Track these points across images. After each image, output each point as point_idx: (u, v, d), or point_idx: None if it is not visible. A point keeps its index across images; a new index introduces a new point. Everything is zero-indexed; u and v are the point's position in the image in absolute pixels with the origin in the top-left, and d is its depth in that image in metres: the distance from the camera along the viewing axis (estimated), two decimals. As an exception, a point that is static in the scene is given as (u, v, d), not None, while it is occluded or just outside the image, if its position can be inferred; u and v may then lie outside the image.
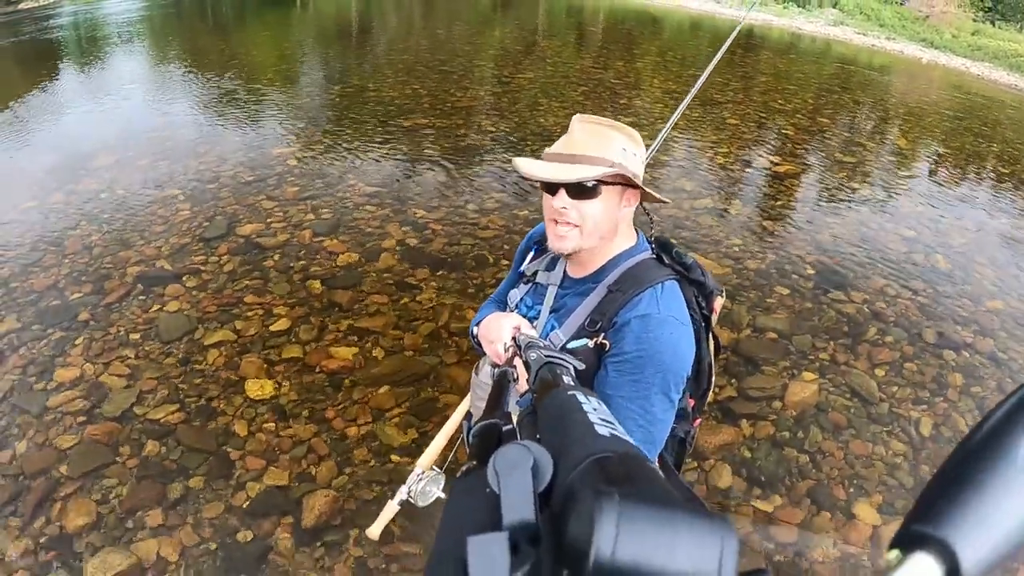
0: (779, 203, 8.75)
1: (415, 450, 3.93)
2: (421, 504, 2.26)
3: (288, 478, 3.66)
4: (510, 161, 8.64)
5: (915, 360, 5.54)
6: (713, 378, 1.98)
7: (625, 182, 1.73)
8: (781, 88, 16.26)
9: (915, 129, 14.23)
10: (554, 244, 1.79)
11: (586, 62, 17.09)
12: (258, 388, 4.28)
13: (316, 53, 16.23)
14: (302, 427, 4.03)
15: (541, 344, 1.34)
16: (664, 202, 1.88)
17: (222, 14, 21.75)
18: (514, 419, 0.94)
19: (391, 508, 2.32)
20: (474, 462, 0.80)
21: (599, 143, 1.70)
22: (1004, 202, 10.45)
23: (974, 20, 38.97)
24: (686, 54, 20.48)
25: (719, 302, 1.94)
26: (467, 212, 7.14)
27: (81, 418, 3.95)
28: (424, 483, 2.29)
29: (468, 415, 1.78)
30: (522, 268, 2.08)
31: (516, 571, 0.51)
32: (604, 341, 1.69)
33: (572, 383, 0.96)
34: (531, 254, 2.07)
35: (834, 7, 36.85)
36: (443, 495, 2.26)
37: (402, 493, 2.30)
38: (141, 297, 5.10)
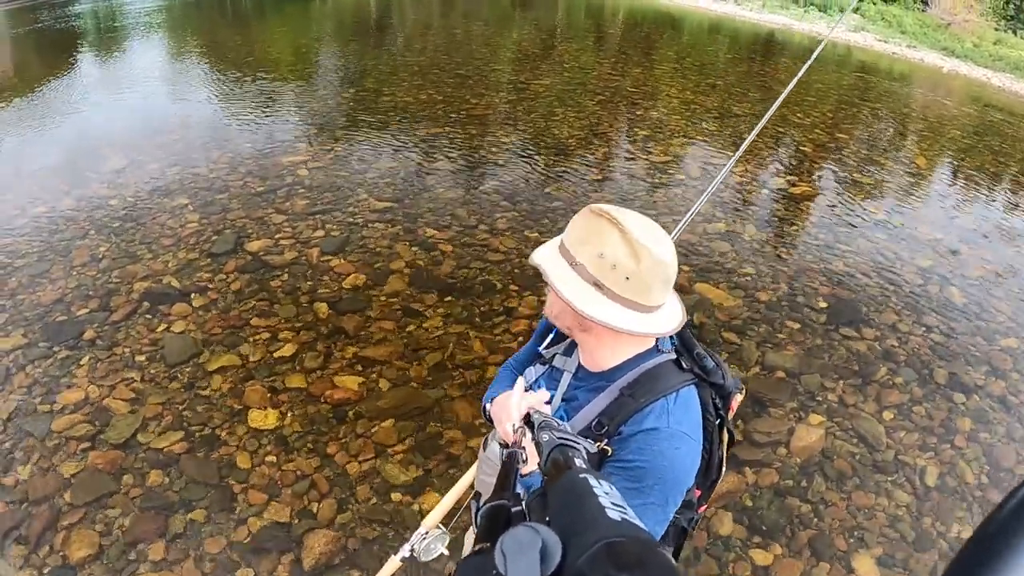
0: (794, 227, 8.79)
1: (417, 489, 4.05)
2: (424, 559, 2.30)
3: (289, 514, 3.78)
4: (523, 177, 8.81)
5: (924, 403, 5.57)
6: (723, 470, 1.96)
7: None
8: (800, 100, 16.19)
9: (934, 147, 14.16)
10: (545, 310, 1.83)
11: (604, 68, 17.12)
12: (261, 418, 4.41)
13: (332, 51, 16.39)
14: (304, 461, 4.15)
15: (555, 425, 1.35)
16: (645, 334, 1.70)
17: (241, 6, 21.96)
18: (523, 501, 0.99)
19: (392, 564, 2.34)
20: (484, 544, 0.80)
21: (582, 238, 1.63)
22: (1022, 230, 10.42)
23: (996, 29, 38.68)
24: (704, 60, 20.44)
25: (737, 400, 1.90)
26: (477, 232, 7.24)
27: (85, 444, 4.09)
28: (428, 541, 2.32)
29: (476, 495, 1.82)
30: (540, 349, 2.05)
31: None
32: (607, 448, 1.67)
33: (585, 466, 0.99)
34: (552, 334, 2.04)
35: (855, 12, 36.65)
36: (446, 552, 2.33)
37: (405, 550, 2.32)
38: (147, 316, 5.24)
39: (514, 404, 1.65)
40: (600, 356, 1.78)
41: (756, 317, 6.33)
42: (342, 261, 6.30)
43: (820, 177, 11.03)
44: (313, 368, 4.93)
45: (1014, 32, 39.97)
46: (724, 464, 1.94)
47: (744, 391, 1.93)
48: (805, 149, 12.27)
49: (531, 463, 1.40)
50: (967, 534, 4.34)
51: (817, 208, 9.65)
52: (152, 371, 4.71)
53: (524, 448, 1.43)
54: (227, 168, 7.97)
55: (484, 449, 2.23)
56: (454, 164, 9.13)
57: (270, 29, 18.59)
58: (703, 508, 2.00)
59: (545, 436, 1.21)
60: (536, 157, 9.85)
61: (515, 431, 1.53)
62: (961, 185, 12.23)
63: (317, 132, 9.73)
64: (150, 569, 3.40)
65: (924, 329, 6.61)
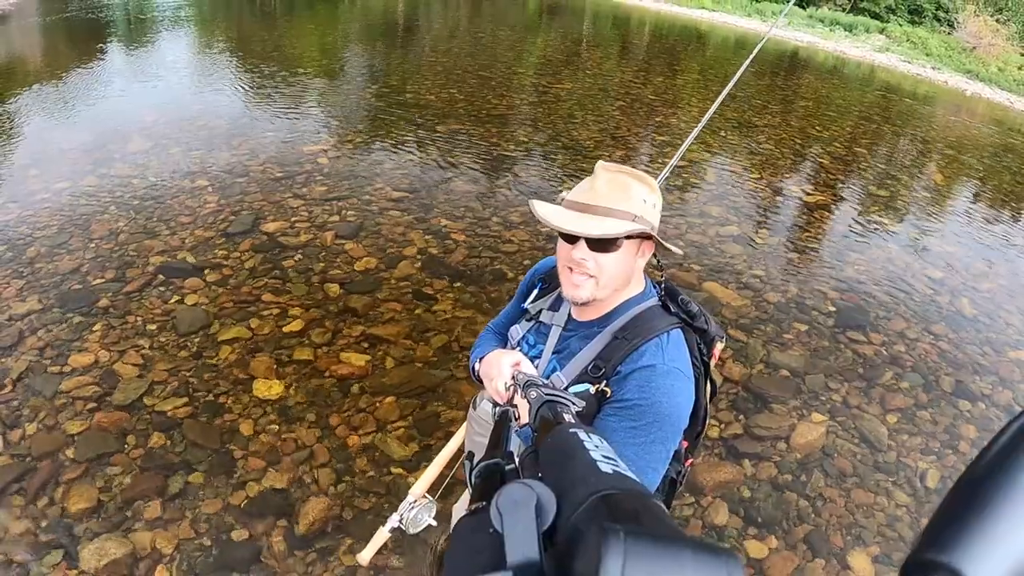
0: (807, 234, 8.75)
1: (415, 464, 4.03)
2: (412, 531, 2.31)
3: (287, 481, 3.77)
4: (539, 175, 8.81)
5: (929, 408, 5.52)
6: (708, 421, 2.00)
7: (646, 236, 1.76)
8: (820, 114, 16.20)
9: (953, 164, 14.10)
10: (568, 292, 1.81)
11: (626, 75, 17.15)
12: (266, 388, 4.40)
13: (358, 49, 16.48)
14: (306, 431, 4.13)
15: (541, 383, 1.35)
16: (675, 253, 1.85)
17: (270, 3, 22.08)
18: (516, 458, 0.98)
19: (382, 535, 2.34)
20: (480, 503, 0.80)
21: (622, 195, 1.70)
22: None
23: (1022, 54, 38.41)
24: (728, 72, 20.33)
25: (719, 347, 1.96)
26: (491, 224, 7.23)
27: (91, 404, 4.09)
28: (416, 511, 2.32)
29: (470, 454, 1.81)
30: (525, 305, 2.09)
31: None
32: (606, 388, 1.71)
33: (573, 421, 1.00)
34: (535, 291, 2.08)
35: (881, 33, 36.55)
36: (434, 523, 2.32)
37: (393, 520, 2.31)
38: (161, 288, 5.25)
39: (505, 363, 1.65)
40: (608, 302, 1.83)
41: (764, 317, 6.28)
42: (356, 245, 6.30)
43: (836, 188, 11.00)
44: (320, 344, 4.93)
45: None
46: (708, 415, 1.98)
47: (725, 339, 1.97)
48: (823, 160, 12.24)
49: (523, 420, 1.39)
50: None
51: (831, 217, 9.60)
52: (162, 339, 4.72)
53: (516, 406, 1.42)
54: (248, 154, 8.00)
55: (474, 408, 2.32)
56: (471, 160, 9.14)
57: (297, 26, 18.72)
58: (690, 461, 2.03)
59: (533, 393, 1.22)
60: (553, 156, 9.86)
61: (507, 389, 1.54)
62: (978, 203, 12.16)
63: (339, 124, 9.77)
64: (145, 526, 3.38)
65: (932, 337, 6.55)
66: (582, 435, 0.80)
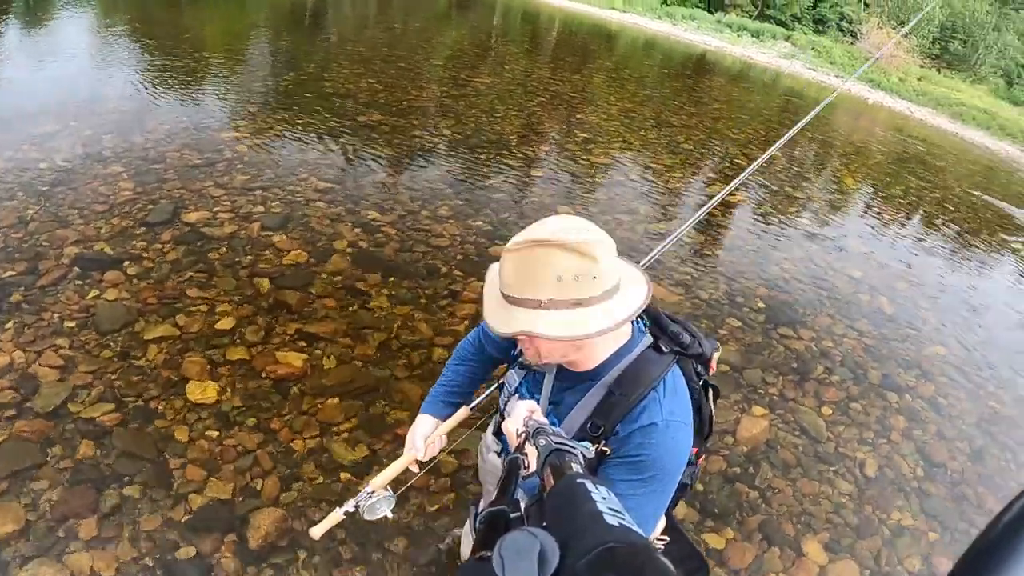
0: (732, 233, 8.92)
1: (364, 468, 3.81)
2: (368, 518, 2.20)
3: (232, 492, 3.48)
4: (465, 168, 8.61)
5: (860, 400, 5.72)
6: (714, 424, 1.99)
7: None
8: (734, 116, 16.60)
9: (862, 168, 14.67)
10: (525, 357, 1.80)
11: (543, 72, 17.12)
12: (201, 391, 4.08)
13: (269, 35, 15.80)
14: (247, 436, 3.84)
15: (550, 431, 1.33)
16: (630, 316, 1.61)
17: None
18: (522, 506, 0.96)
19: (336, 515, 2.23)
20: (484, 552, 0.75)
21: (529, 278, 1.53)
22: (945, 249, 10.84)
23: (921, 66, 40.44)
24: (641, 73, 20.69)
25: (716, 358, 1.93)
26: (420, 218, 7.00)
27: (10, 412, 3.67)
28: (375, 500, 2.21)
29: (475, 501, 1.72)
30: (516, 355, 2.02)
31: None
32: (606, 448, 1.67)
33: (581, 471, 0.98)
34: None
35: (787, 40, 37.76)
36: (391, 515, 2.23)
37: (350, 505, 2.20)
38: (78, 281, 4.82)
39: (520, 409, 1.59)
40: (587, 360, 1.73)
41: (698, 314, 6.31)
42: (283, 237, 5.97)
43: (755, 189, 11.22)
44: (254, 342, 4.62)
45: (938, 70, 41.72)
46: (714, 417, 1.98)
47: (720, 348, 1.96)
48: (740, 162, 12.43)
49: (532, 468, 1.33)
50: (907, 522, 4.48)
51: (754, 217, 9.84)
52: (83, 338, 4.31)
53: (526, 454, 1.38)
54: (163, 139, 7.50)
55: (482, 460, 2.28)
56: (396, 151, 8.87)
57: (204, 11, 17.86)
58: (701, 459, 2.05)
59: (542, 441, 1.21)
60: (478, 150, 9.69)
61: (518, 435, 1.49)
62: (888, 205, 12.70)
63: (257, 110, 9.30)
64: (81, 547, 3.04)
65: (857, 333, 6.77)
66: (589, 485, 0.80)
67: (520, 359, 1.96)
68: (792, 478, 4.64)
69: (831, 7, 46.26)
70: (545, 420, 1.57)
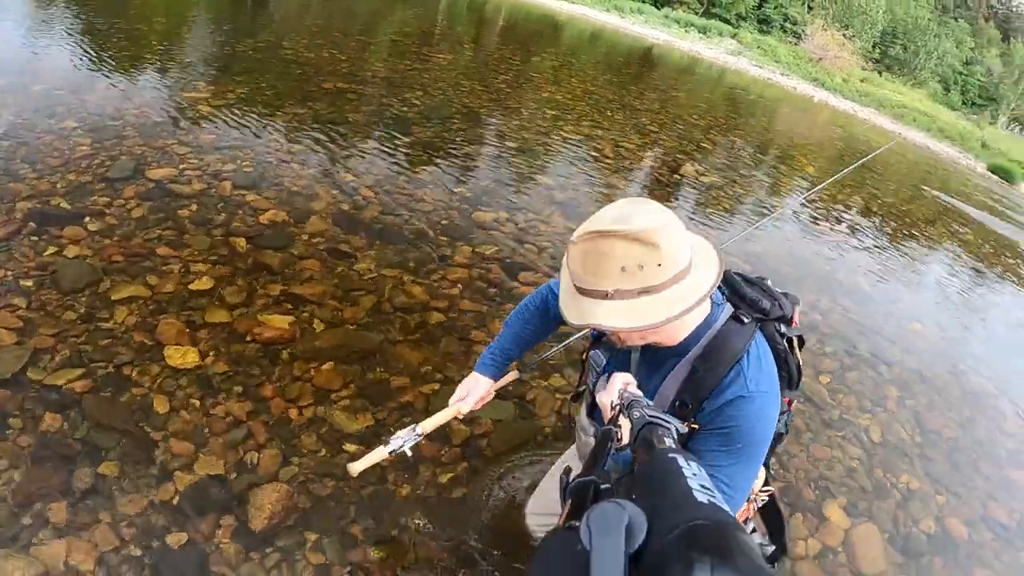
0: (708, 210, 8.83)
1: (370, 438, 3.29)
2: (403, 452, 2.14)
3: (224, 467, 2.90)
4: (439, 135, 8.06)
5: (854, 371, 5.63)
6: (802, 370, 1.86)
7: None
8: (695, 105, 16.56)
9: (820, 159, 14.84)
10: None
11: (504, 52, 16.64)
12: (180, 356, 3.47)
13: (225, 4, 14.86)
14: (235, 405, 3.26)
15: (644, 404, 1.30)
16: (701, 299, 1.51)
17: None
18: (613, 478, 0.95)
19: (380, 453, 2.12)
20: (573, 521, 0.72)
21: (595, 269, 1.46)
22: (911, 241, 10.99)
23: (863, 68, 41.14)
24: (596, 60, 20.65)
25: (798, 311, 1.86)
26: (400, 182, 6.44)
27: (-42, 379, 3.05)
28: (415, 443, 2.17)
29: (567, 469, 1.44)
30: (596, 333, 1.96)
31: None
32: (695, 424, 1.62)
33: (673, 445, 0.98)
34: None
35: (733, 38, 37.90)
36: (410, 453, 2.17)
37: (396, 443, 2.13)
38: (34, 237, 4.11)
39: (616, 381, 1.56)
40: (671, 338, 1.64)
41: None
42: (258, 196, 5.34)
43: (726, 171, 11.26)
44: (236, 304, 4.00)
45: (879, 73, 42.47)
46: (802, 367, 1.86)
47: (800, 303, 1.88)
48: (706, 145, 12.44)
49: (625, 440, 1.27)
50: (915, 486, 4.36)
51: (727, 196, 9.72)
52: (42, 298, 3.62)
53: (619, 426, 1.32)
54: (120, 97, 6.72)
55: (579, 439, 2.22)
56: (366, 118, 8.28)
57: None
58: (792, 404, 1.96)
59: (636, 414, 1.17)
60: (451, 120, 9.18)
61: (612, 407, 1.44)
62: (850, 194, 12.78)
63: (217, 74, 8.54)
64: (52, 535, 2.44)
65: (843, 308, 6.77)
66: (681, 461, 0.78)
67: (604, 339, 1.89)
68: (804, 443, 4.47)
69: (775, 8, 46.70)
70: (640, 393, 1.51)
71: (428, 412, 3.58)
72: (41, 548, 2.38)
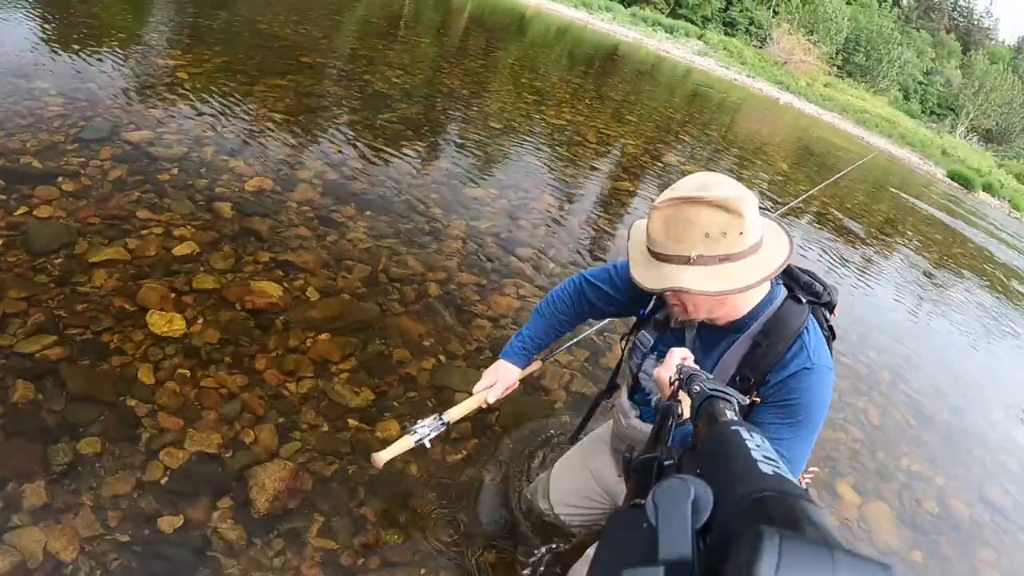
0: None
1: (375, 415, 2.97)
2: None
3: (219, 445, 2.54)
4: (423, 113, 7.70)
5: (847, 356, 5.51)
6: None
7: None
8: (669, 100, 16.53)
9: (790, 156, 14.92)
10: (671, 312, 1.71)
11: (480, 41, 16.30)
12: (165, 323, 3.09)
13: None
14: (228, 376, 2.89)
15: (704, 377, 1.22)
16: (777, 270, 1.52)
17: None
18: (675, 454, 0.92)
19: (406, 442, 1.94)
20: (637, 499, 0.73)
21: (678, 235, 1.46)
22: (883, 237, 10.99)
23: (827, 74, 41.51)
24: (572, 52, 20.61)
25: (837, 301, 1.81)
26: (387, 155, 6.08)
27: (-81, 345, 2.64)
28: (439, 432, 2.01)
29: (629, 448, 1.58)
30: (648, 314, 1.89)
31: None
32: (757, 398, 1.60)
33: (735, 418, 0.92)
34: (653, 300, 1.86)
35: (699, 39, 37.94)
36: (428, 445, 1.99)
37: (422, 431, 1.96)
38: (2, 196, 3.69)
39: (674, 356, 1.43)
40: (732, 314, 1.61)
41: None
42: (242, 163, 4.93)
43: (708, 164, 11.25)
44: (223, 270, 3.62)
45: (842, 79, 42.93)
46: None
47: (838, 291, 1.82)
48: (684, 139, 12.32)
49: (686, 415, 1.15)
50: (916, 467, 4.27)
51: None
52: (11, 259, 3.19)
53: (679, 401, 1.21)
54: (91, 58, 6.20)
55: (619, 424, 2.05)
56: (349, 91, 7.88)
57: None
58: None
59: (696, 388, 1.10)
60: (434, 99, 8.83)
61: (671, 383, 1.34)
62: (821, 188, 12.92)
63: (192, 43, 8.03)
64: (28, 521, 2.06)
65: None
66: (744, 433, 0.74)
67: (657, 315, 1.84)
68: None
69: (741, 11, 46.88)
70: (697, 367, 1.40)
71: (432, 386, 3.31)
72: (16, 535, 2.00)
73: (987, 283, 11.37)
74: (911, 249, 11.42)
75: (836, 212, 11.46)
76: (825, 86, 38.13)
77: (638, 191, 7.93)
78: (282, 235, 4.17)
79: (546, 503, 2.38)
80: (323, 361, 3.20)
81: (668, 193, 1.48)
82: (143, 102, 5.53)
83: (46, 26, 6.93)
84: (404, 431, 1.95)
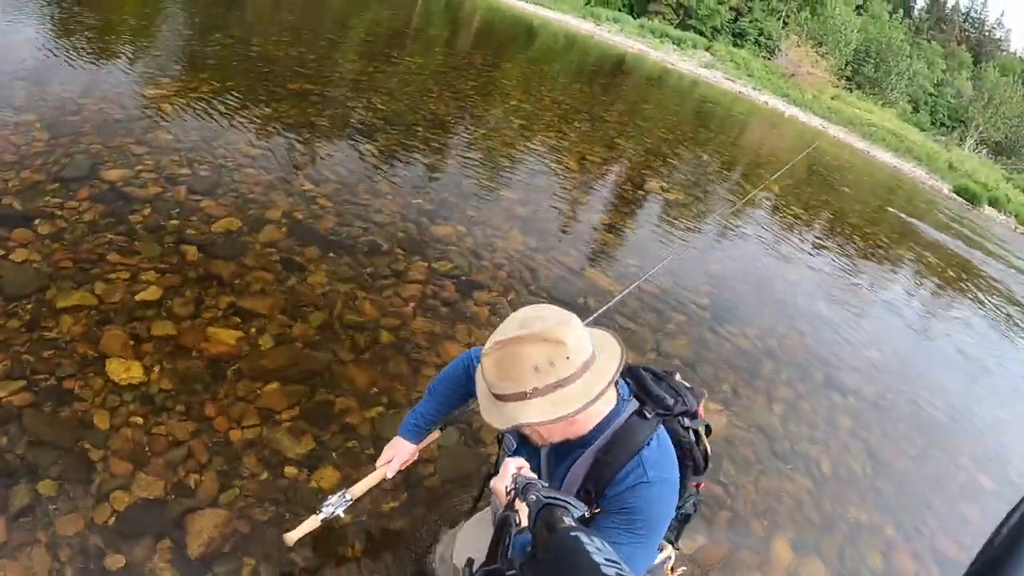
0: (672, 227, 8.89)
1: (313, 462, 3.36)
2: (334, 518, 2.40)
3: (164, 489, 2.95)
4: (402, 143, 8.12)
5: (808, 400, 5.72)
6: (710, 456, 2.07)
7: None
8: (663, 117, 16.69)
9: (785, 176, 15.10)
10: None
11: (475, 58, 16.69)
12: (123, 370, 3.50)
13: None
14: (177, 424, 3.30)
15: (540, 486, 1.32)
16: (613, 378, 1.71)
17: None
18: (517, 563, 0.96)
19: (314, 521, 2.33)
20: None
21: (510, 374, 1.64)
22: (875, 262, 11.19)
23: (835, 86, 41.74)
24: (570, 68, 20.81)
25: (703, 404, 2.08)
26: (358, 191, 6.50)
27: None
28: (344, 508, 2.42)
29: (469, 560, 1.74)
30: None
31: None
32: (597, 509, 1.73)
33: (574, 523, 0.95)
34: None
35: (707, 50, 38.28)
36: (343, 515, 2.44)
37: (327, 510, 2.37)
38: (-19, 240, 4.13)
39: (510, 466, 1.60)
40: (583, 429, 1.78)
41: (645, 307, 6.09)
42: (213, 203, 5.36)
43: (691, 189, 11.44)
44: (183, 316, 4.04)
45: (850, 91, 43.16)
46: (709, 452, 2.06)
47: (706, 395, 2.13)
48: (673, 162, 12.49)
49: (524, 524, 1.29)
50: (865, 518, 4.45)
51: (691, 214, 9.89)
52: (-14, 304, 3.67)
53: (516, 511, 1.35)
54: (81, 91, 6.67)
55: (494, 512, 2.35)
56: (330, 122, 8.30)
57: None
58: (701, 486, 2.18)
59: (532, 496, 1.17)
60: (415, 127, 9.24)
61: (507, 493, 1.47)
62: (817, 216, 13.06)
63: (181, 71, 8.51)
64: (-13, 556, 2.48)
65: (798, 333, 6.82)
66: (584, 538, 0.78)
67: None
68: (753, 476, 4.53)
69: (751, 22, 47.31)
70: (534, 476, 1.55)
71: (372, 436, 3.70)
72: (-26, 571, 2.41)
73: (980, 312, 11.59)
74: (901, 275, 11.69)
75: (825, 233, 11.75)
76: (833, 98, 38.39)
77: (616, 225, 8.30)
78: (244, 279, 4.58)
79: (449, 556, 2.74)
80: (269, 410, 3.59)
81: (494, 337, 1.69)
82: (125, 136, 5.98)
83: (39, 54, 7.40)
84: (314, 511, 2.36)
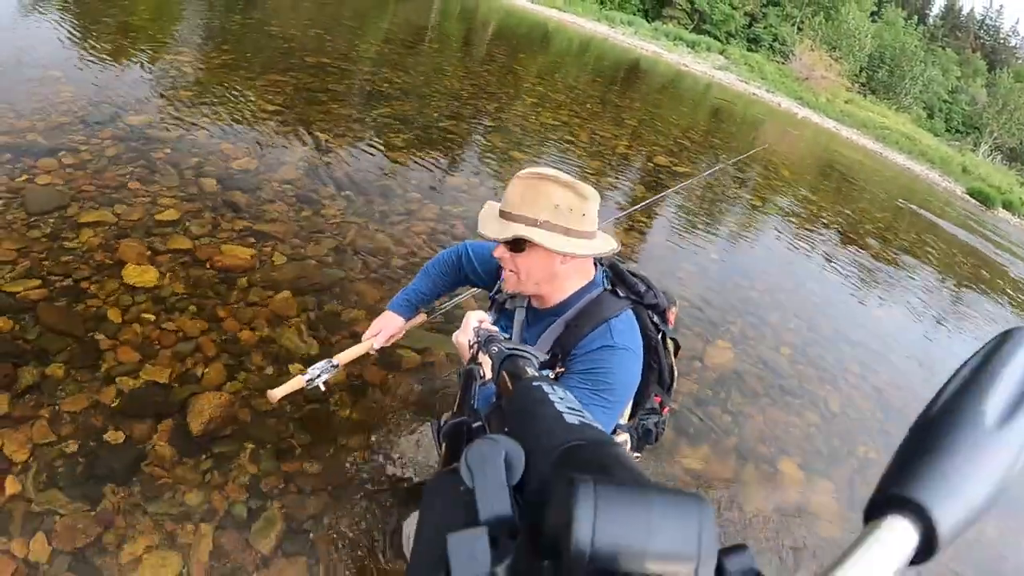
0: (686, 201, 8.76)
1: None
2: (318, 388, 2.27)
3: (169, 376, 2.84)
4: (417, 109, 8.02)
5: (816, 346, 5.56)
6: (676, 376, 2.06)
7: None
8: (681, 113, 16.53)
9: (796, 165, 15.10)
10: (503, 284, 1.90)
11: (489, 48, 16.64)
12: (138, 274, 3.40)
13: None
14: (188, 322, 3.20)
15: (501, 338, 1.32)
16: (606, 255, 1.80)
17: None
18: (483, 415, 0.93)
19: (298, 382, 2.22)
20: (452, 463, 0.68)
21: (530, 201, 1.67)
22: (883, 243, 11.05)
23: (848, 90, 41.22)
24: (582, 62, 20.91)
25: (673, 312, 2.04)
26: (374, 144, 6.40)
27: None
28: (331, 376, 2.30)
29: (437, 416, 1.83)
30: (492, 294, 2.13)
31: (497, 565, 0.47)
32: (561, 369, 1.75)
33: (536, 373, 0.93)
34: (502, 279, 1.97)
35: (721, 53, 37.95)
36: (323, 388, 2.30)
37: (312, 373, 2.25)
38: (8, 166, 4.00)
39: (471, 319, 1.56)
40: (554, 294, 1.84)
41: (655, 256, 6.03)
42: (232, 145, 5.27)
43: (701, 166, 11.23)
44: (199, 234, 3.93)
45: (864, 95, 42.64)
46: (675, 370, 2.05)
47: (677, 304, 2.06)
48: (683, 142, 12.34)
49: (487, 376, 1.24)
50: (874, 457, 4.19)
51: (701, 188, 9.66)
52: (9, 217, 3.52)
53: (480, 363, 1.30)
54: (107, 53, 6.62)
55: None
56: (346, 88, 8.24)
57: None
58: (667, 410, 2.10)
59: (494, 348, 1.15)
60: (430, 98, 9.14)
61: (470, 346, 1.44)
62: (825, 200, 12.97)
63: (202, 42, 8.47)
64: (-8, 427, 2.39)
65: (807, 291, 6.87)
66: (546, 387, 0.75)
67: (497, 297, 2.06)
68: (761, 406, 4.36)
69: (765, 27, 46.86)
70: (495, 328, 1.51)
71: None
72: (-26, 434, 2.32)
73: (988, 293, 11.36)
74: (910, 255, 11.38)
75: (840, 225, 11.64)
76: (846, 102, 37.96)
77: (621, 175, 8.19)
78: (260, 208, 4.49)
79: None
80: (280, 315, 3.50)
81: (532, 169, 1.71)
82: (147, 90, 5.91)
83: (64, 24, 7.35)
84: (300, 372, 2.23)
